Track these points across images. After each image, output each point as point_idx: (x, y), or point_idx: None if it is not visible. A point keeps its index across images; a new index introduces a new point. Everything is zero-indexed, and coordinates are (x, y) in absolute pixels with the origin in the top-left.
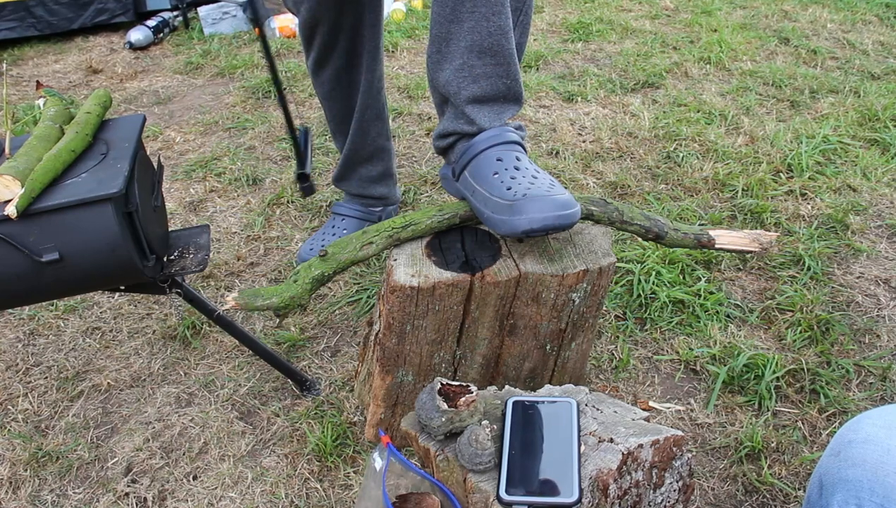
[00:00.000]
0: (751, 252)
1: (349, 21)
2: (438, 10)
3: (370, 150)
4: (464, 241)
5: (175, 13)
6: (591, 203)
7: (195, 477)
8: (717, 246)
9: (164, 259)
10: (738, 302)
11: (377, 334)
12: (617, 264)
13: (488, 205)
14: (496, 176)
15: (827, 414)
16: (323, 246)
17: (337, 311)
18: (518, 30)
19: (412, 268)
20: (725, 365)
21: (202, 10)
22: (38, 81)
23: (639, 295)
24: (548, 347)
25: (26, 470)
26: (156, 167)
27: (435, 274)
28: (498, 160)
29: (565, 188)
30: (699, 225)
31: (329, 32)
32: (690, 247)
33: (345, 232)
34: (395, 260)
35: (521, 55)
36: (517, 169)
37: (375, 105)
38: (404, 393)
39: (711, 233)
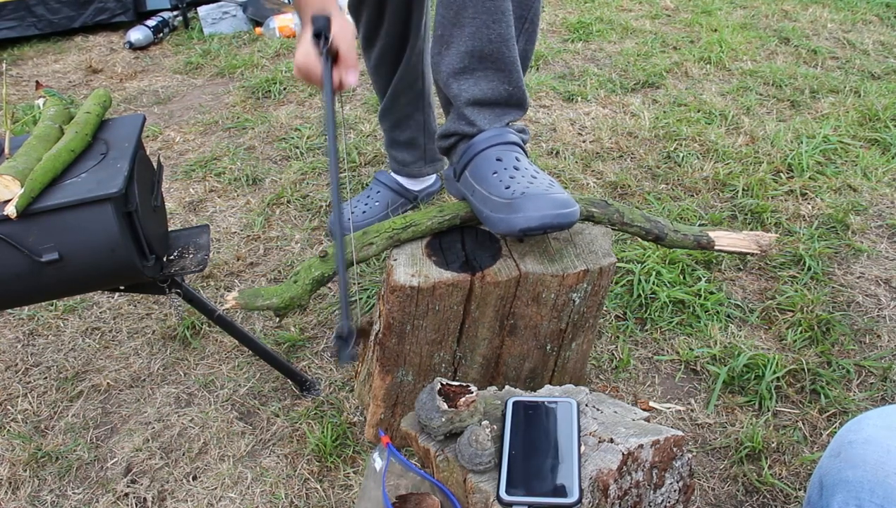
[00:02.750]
0: (750, 254)
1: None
2: (443, 12)
3: (398, 116)
4: (464, 241)
5: (175, 13)
6: (591, 204)
7: (195, 478)
8: (716, 247)
9: (164, 259)
10: (738, 302)
11: (377, 334)
12: (617, 264)
13: (487, 204)
14: (495, 175)
15: (827, 414)
16: (354, 212)
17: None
18: (523, 38)
19: (412, 268)
20: (726, 366)
21: (202, 10)
22: (37, 81)
23: (639, 295)
24: (548, 347)
25: (26, 471)
26: (155, 167)
27: (435, 274)
28: (497, 160)
29: (565, 188)
30: (699, 225)
31: (375, 9)
32: (690, 248)
33: (377, 204)
34: (396, 260)
35: (526, 62)
36: (516, 168)
37: (408, 76)
38: (404, 393)
39: (711, 234)
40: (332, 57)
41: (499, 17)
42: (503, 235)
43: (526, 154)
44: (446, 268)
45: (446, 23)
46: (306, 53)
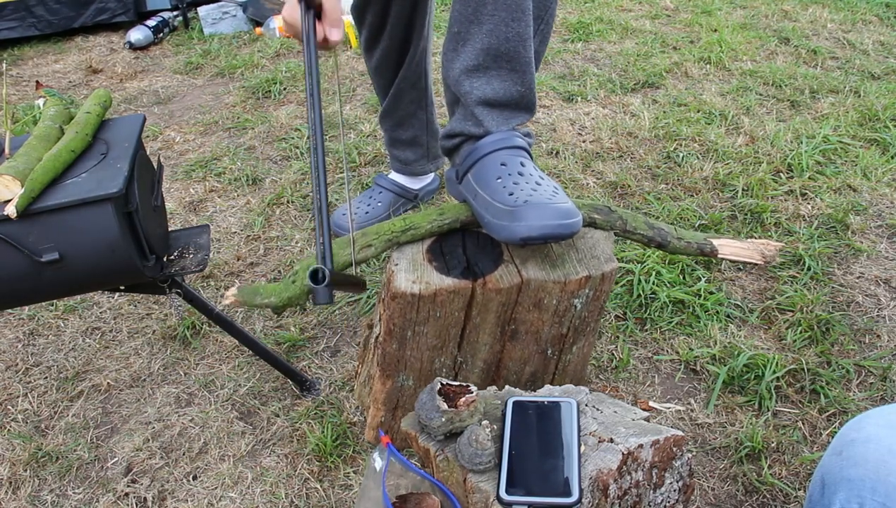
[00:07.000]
0: (753, 263)
1: (399, 1)
2: (461, 8)
3: (401, 115)
4: (465, 245)
5: (175, 13)
6: (594, 211)
7: (195, 477)
8: (719, 255)
9: (164, 259)
10: (738, 302)
11: (377, 337)
12: (618, 267)
13: (489, 209)
14: (499, 180)
15: (827, 414)
16: (356, 213)
17: (337, 311)
18: (537, 38)
19: (413, 274)
20: (725, 365)
21: (202, 10)
22: (37, 81)
23: (639, 295)
24: (549, 352)
25: (26, 470)
26: (156, 167)
27: (436, 281)
28: (502, 165)
29: (565, 189)
30: (699, 225)
31: (378, 12)
32: (693, 256)
33: (379, 204)
34: (397, 264)
35: (538, 63)
36: (521, 174)
37: (411, 76)
38: (405, 397)
39: (715, 242)
40: (316, 11)
41: (518, 16)
42: (504, 242)
43: (531, 158)
44: (447, 274)
45: (464, 19)
46: (290, 8)
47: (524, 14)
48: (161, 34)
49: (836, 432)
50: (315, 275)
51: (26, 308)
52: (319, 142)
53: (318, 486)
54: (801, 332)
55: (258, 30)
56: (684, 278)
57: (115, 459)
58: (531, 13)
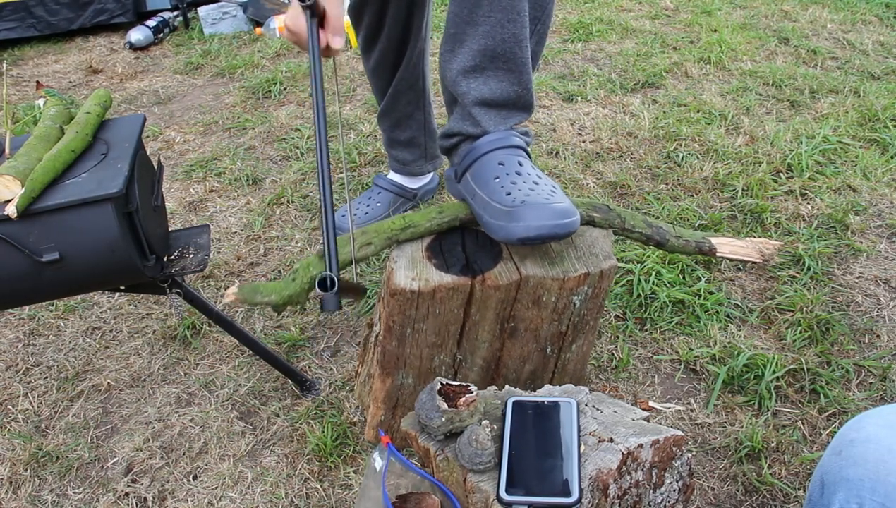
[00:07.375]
0: (752, 262)
1: (396, 2)
2: (457, 9)
3: (399, 116)
4: (464, 243)
5: (175, 13)
6: (593, 209)
7: (195, 477)
8: (718, 254)
9: (164, 259)
10: (738, 302)
11: (377, 335)
12: (617, 265)
13: (487, 209)
14: (497, 180)
15: (827, 413)
16: (356, 214)
17: (337, 312)
18: (534, 38)
19: (412, 271)
20: (725, 365)
21: (202, 11)
22: (38, 81)
23: (639, 295)
24: (548, 349)
25: (26, 470)
26: (156, 167)
27: (435, 278)
28: (500, 164)
29: (564, 189)
30: (699, 225)
31: (375, 13)
32: (691, 254)
33: (378, 204)
34: (396, 262)
35: (535, 63)
36: (518, 174)
37: (409, 77)
38: (404, 396)
39: (713, 240)
40: (319, 20)
41: (514, 17)
42: (502, 242)
43: (529, 157)
44: (446, 272)
45: (459, 21)
46: (294, 17)
47: (519, 15)
48: (161, 34)
49: (835, 432)
50: (323, 283)
51: (26, 308)
52: (323, 143)
53: (318, 486)
54: (800, 332)
55: (258, 30)
56: (684, 278)
57: (116, 459)
58: (527, 14)
